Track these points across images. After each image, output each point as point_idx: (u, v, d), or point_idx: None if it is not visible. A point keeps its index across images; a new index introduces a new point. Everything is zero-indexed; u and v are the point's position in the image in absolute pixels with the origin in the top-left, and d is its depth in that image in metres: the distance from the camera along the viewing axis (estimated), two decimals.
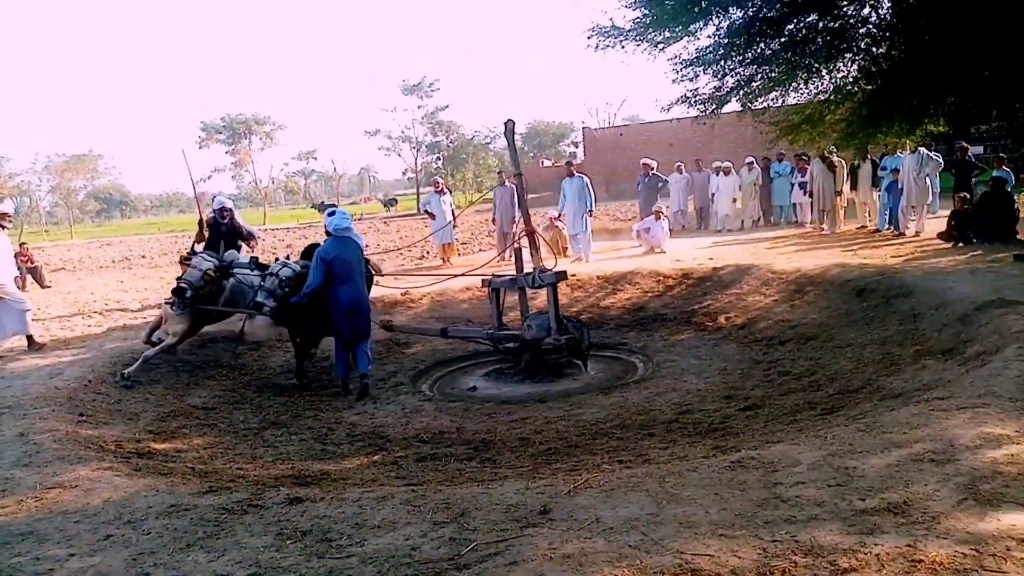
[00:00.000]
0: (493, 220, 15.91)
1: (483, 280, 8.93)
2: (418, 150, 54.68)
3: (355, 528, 3.38)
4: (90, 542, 3.45)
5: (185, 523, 3.59)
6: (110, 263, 23.83)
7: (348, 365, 7.76)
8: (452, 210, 15.95)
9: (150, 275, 19.53)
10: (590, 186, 14.03)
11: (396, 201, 55.43)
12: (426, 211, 16.61)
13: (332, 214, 7.93)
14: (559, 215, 14.51)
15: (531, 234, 8.73)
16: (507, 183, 15.86)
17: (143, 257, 26.01)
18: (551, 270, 8.30)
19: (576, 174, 14.31)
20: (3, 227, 9.16)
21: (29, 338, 9.04)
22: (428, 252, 18.91)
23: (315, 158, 69.27)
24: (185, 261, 8.84)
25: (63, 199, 59.51)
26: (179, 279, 8.02)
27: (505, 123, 8.85)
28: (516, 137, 9.11)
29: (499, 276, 8.89)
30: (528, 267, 8.61)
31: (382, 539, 3.23)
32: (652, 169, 16.44)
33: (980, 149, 17.63)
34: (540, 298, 10.37)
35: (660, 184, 16.28)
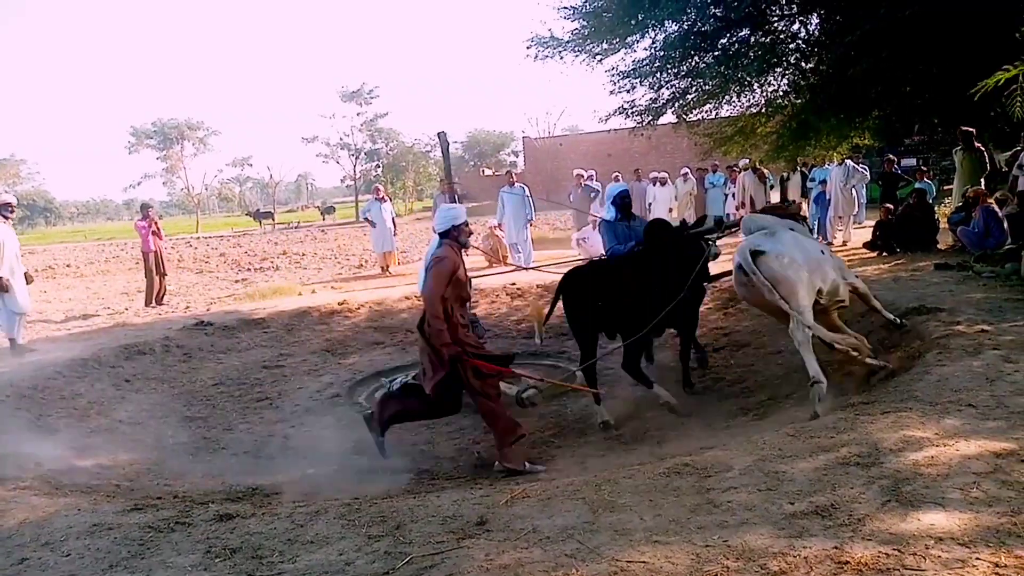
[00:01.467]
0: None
1: None
2: (357, 157, 54.24)
3: (287, 544, 3.30)
4: (3, 567, 3.28)
5: (108, 543, 3.45)
6: (32, 272, 22.87)
7: None
8: (392, 218, 15.86)
9: (75, 285, 18.84)
10: (530, 196, 14.11)
11: (334, 209, 54.76)
12: (366, 219, 16.47)
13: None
14: (498, 224, 14.53)
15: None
16: (444, 192, 15.82)
17: (68, 266, 25.07)
18: None
19: (516, 183, 14.38)
20: (6, 217, 8.99)
21: (12, 340, 8.90)
22: (367, 260, 18.74)
23: (250, 165, 68.15)
24: None
25: None
26: None
27: (438, 134, 8.84)
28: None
29: None
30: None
31: (315, 555, 3.16)
32: (584, 179, 16.63)
33: (912, 161, 18.25)
34: (475, 308, 10.38)
35: (593, 194, 16.48)
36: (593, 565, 2.76)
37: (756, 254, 5.38)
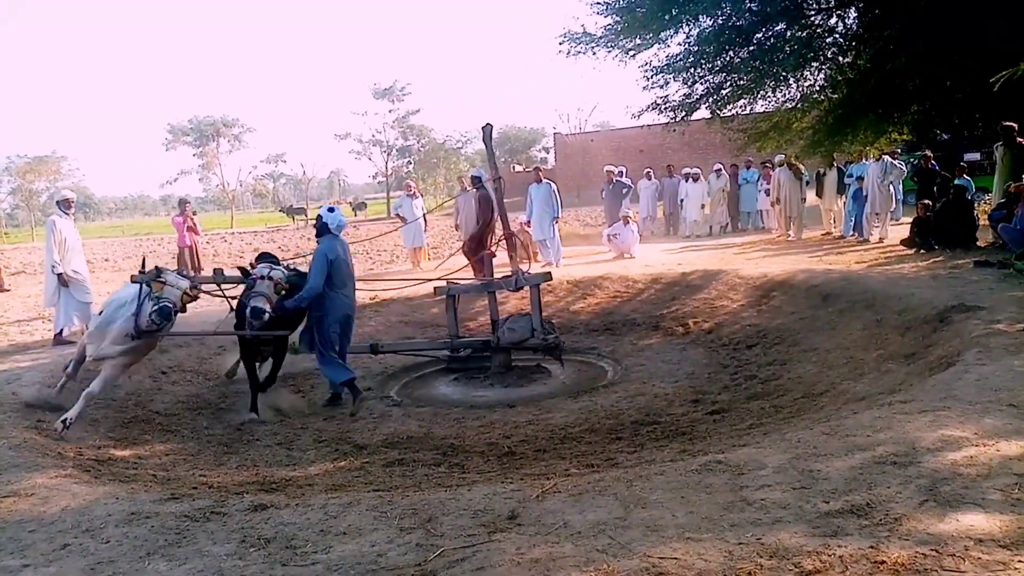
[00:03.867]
0: (456, 227, 15.84)
1: (435, 288, 8.72)
2: (389, 154, 54.55)
3: (320, 535, 3.33)
4: (46, 552, 3.36)
5: (145, 531, 3.51)
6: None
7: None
8: (423, 214, 15.91)
9: (113, 279, 19.18)
10: (557, 192, 14.08)
11: (366, 205, 55.13)
12: (397, 215, 16.55)
13: (332, 210, 7.49)
14: (527, 221, 14.53)
15: (510, 237, 8.77)
16: (468, 189, 15.83)
17: (106, 260, 25.56)
18: (528, 273, 8.38)
19: (543, 180, 14.35)
20: (68, 214, 9.42)
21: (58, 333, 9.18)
22: (398, 256, 18.86)
23: (284, 161, 68.92)
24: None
25: (24, 201, 58.16)
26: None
27: (483, 128, 8.84)
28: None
29: (454, 283, 8.78)
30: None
31: (348, 546, 3.19)
32: (616, 175, 16.56)
33: (976, 155, 17.62)
34: (511, 302, 10.39)
35: (624, 190, 16.43)
36: (625, 561, 2.75)
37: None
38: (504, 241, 9.03)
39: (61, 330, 9.17)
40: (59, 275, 9.07)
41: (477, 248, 11.19)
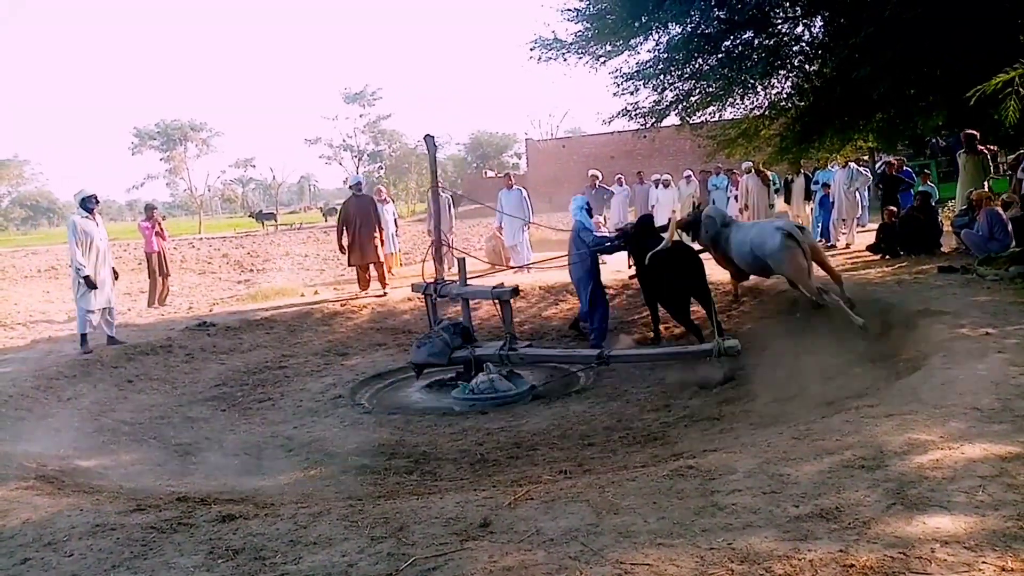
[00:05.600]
0: (429, 232, 15.81)
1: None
2: (360, 159, 54.34)
3: (290, 545, 3.29)
4: (5, 567, 3.27)
5: (110, 543, 3.44)
6: (36, 272, 22.88)
7: None
8: (395, 219, 15.85)
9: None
10: (528, 198, 14.12)
11: (336, 210, 54.88)
12: None
13: None
14: (499, 226, 14.55)
15: (439, 246, 8.82)
16: (442, 193, 15.77)
17: (71, 266, 25.08)
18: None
19: (514, 186, 14.38)
20: (91, 212, 9.25)
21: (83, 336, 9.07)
22: None
23: (253, 166, 68.25)
24: None
25: None
26: None
27: (424, 138, 8.88)
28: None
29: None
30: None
31: (318, 556, 3.15)
32: (599, 180, 16.65)
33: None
34: (478, 310, 10.37)
35: (606, 196, 16.59)
36: (597, 568, 2.74)
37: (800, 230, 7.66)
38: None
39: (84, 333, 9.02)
40: (85, 277, 8.92)
41: (360, 257, 12.30)
